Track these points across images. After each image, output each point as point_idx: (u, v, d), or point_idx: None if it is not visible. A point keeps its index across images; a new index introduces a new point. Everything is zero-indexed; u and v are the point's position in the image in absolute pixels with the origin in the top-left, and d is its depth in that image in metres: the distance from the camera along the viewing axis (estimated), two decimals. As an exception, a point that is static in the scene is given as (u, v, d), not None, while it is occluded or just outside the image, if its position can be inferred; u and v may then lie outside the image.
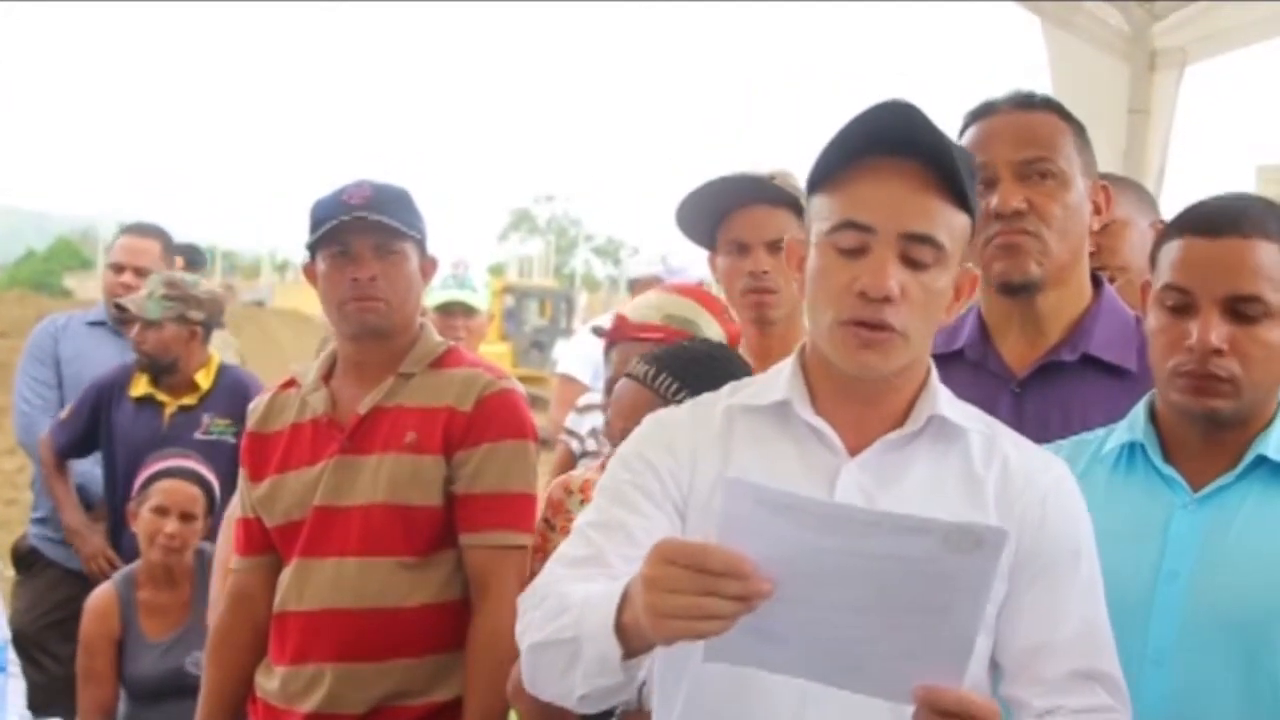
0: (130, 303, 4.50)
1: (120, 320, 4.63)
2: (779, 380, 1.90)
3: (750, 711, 1.78)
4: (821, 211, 1.81)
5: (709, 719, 1.82)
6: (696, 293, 2.82)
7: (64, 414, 4.62)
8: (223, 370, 4.59)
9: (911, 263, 1.77)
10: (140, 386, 4.52)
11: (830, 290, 1.78)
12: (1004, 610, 1.80)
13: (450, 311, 4.92)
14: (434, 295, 5.00)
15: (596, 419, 3.73)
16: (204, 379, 4.53)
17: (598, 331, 2.93)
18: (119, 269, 4.91)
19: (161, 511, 3.94)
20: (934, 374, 1.89)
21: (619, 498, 1.85)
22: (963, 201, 1.79)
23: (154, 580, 3.97)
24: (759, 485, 1.50)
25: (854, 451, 1.83)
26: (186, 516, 3.95)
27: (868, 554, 1.48)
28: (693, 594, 1.47)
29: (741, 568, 1.47)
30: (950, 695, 1.55)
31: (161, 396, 4.50)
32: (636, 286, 6.24)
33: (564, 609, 1.69)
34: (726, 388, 1.96)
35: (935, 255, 1.78)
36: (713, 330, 2.66)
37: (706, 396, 1.98)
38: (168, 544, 3.92)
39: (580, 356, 5.77)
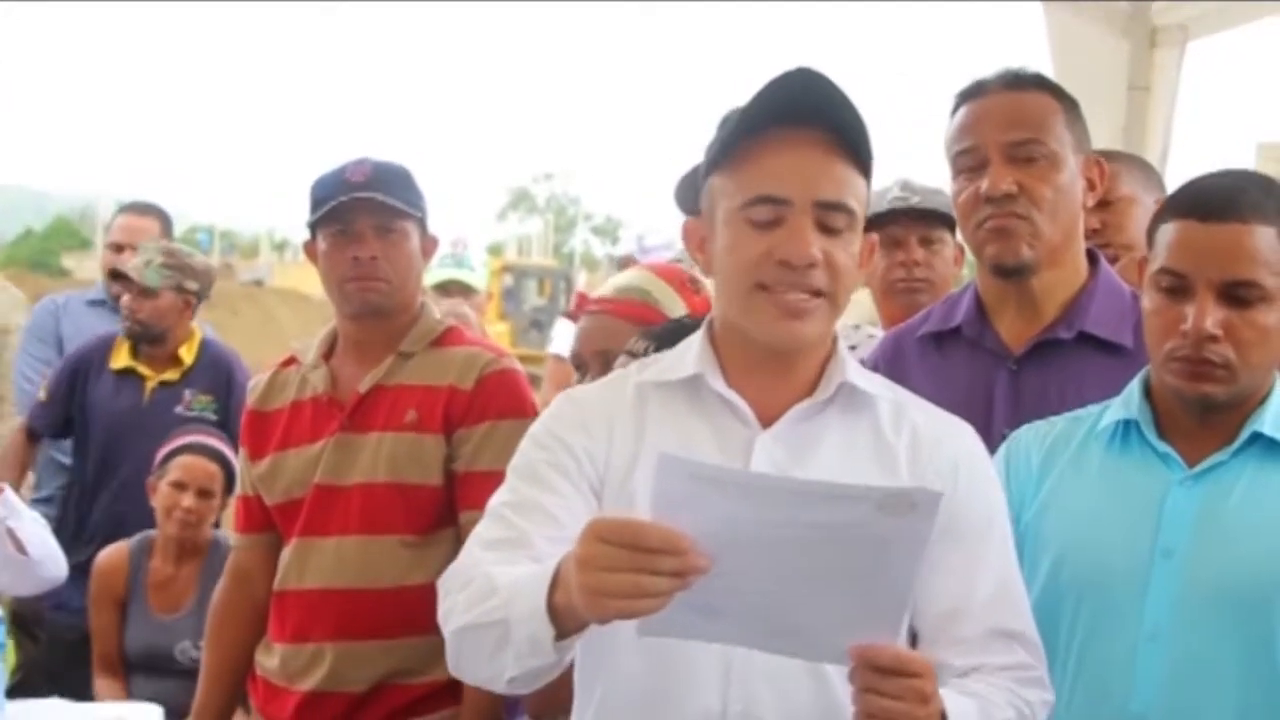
0: (131, 269, 4.46)
1: (120, 296, 4.60)
2: (689, 355, 1.90)
3: (674, 700, 1.78)
4: (727, 189, 1.82)
5: (630, 712, 1.81)
6: (658, 267, 2.84)
7: (42, 395, 4.57)
8: (205, 345, 4.57)
9: (827, 230, 1.78)
10: (122, 358, 4.49)
11: (746, 261, 1.78)
12: (920, 576, 1.79)
13: (448, 290, 4.92)
14: (432, 274, 5.00)
15: None
16: (187, 354, 4.51)
17: (568, 315, 2.95)
18: (118, 248, 4.90)
19: (179, 486, 3.99)
20: (841, 343, 1.91)
21: (534, 477, 1.84)
22: (863, 166, 1.81)
23: (166, 552, 4.03)
24: (692, 460, 1.50)
25: (766, 423, 1.84)
26: (204, 493, 3.99)
27: (803, 523, 1.49)
28: (629, 572, 1.46)
29: (678, 543, 1.46)
30: (886, 652, 1.58)
31: (143, 370, 4.48)
32: (622, 264, 6.31)
33: (491, 591, 1.67)
34: (635, 364, 1.97)
35: (848, 221, 1.80)
36: (671, 300, 2.68)
37: (617, 373, 1.99)
38: (184, 518, 3.97)
39: (570, 337, 5.79)
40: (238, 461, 3.01)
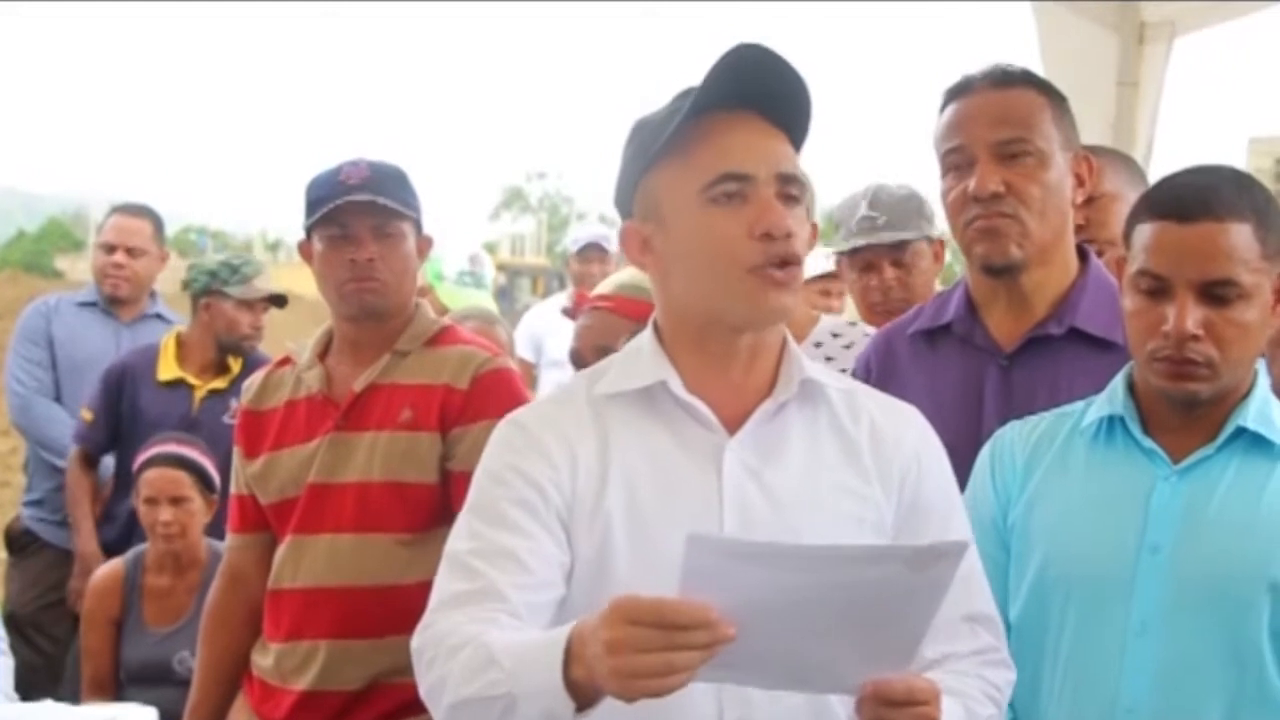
0: (271, 288, 4.56)
1: (208, 290, 4.55)
2: (640, 362, 1.85)
3: (670, 711, 1.69)
4: (678, 179, 1.79)
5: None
6: None
7: (88, 416, 4.55)
8: (249, 355, 4.61)
9: (789, 199, 1.78)
10: (171, 369, 4.51)
11: (727, 242, 1.76)
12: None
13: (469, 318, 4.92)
14: (451, 294, 5.01)
15: None
16: (235, 362, 4.55)
17: (566, 312, 2.97)
18: (110, 249, 4.89)
19: (152, 502, 3.98)
20: (789, 336, 1.89)
21: (497, 518, 1.77)
22: (798, 143, 1.83)
23: (161, 566, 4.02)
24: (722, 538, 1.51)
25: (730, 426, 1.81)
26: (177, 501, 3.97)
27: (832, 584, 1.49)
28: (661, 651, 1.45)
29: (707, 617, 1.45)
30: (898, 686, 1.57)
31: (192, 380, 4.50)
32: (568, 264, 6.43)
33: (489, 662, 1.62)
34: (581, 377, 1.92)
35: (802, 192, 1.81)
36: None
37: (561, 389, 1.94)
38: (166, 531, 3.96)
39: (525, 336, 5.90)
40: (233, 460, 3.01)
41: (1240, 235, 1.97)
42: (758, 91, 1.78)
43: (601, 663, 1.48)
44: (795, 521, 1.77)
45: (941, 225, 2.95)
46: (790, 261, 1.77)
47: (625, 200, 1.89)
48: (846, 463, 1.83)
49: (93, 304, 4.94)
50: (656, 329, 1.88)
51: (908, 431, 1.89)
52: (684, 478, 1.79)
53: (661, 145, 1.80)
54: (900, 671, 1.57)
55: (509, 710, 1.59)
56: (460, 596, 1.74)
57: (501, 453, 1.85)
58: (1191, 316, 1.97)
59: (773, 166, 1.78)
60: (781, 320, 1.82)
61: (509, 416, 1.91)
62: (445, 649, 1.69)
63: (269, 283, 4.62)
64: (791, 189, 1.79)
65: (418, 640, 1.76)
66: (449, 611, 1.74)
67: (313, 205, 2.83)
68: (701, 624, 1.45)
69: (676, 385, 1.82)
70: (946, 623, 1.78)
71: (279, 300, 4.63)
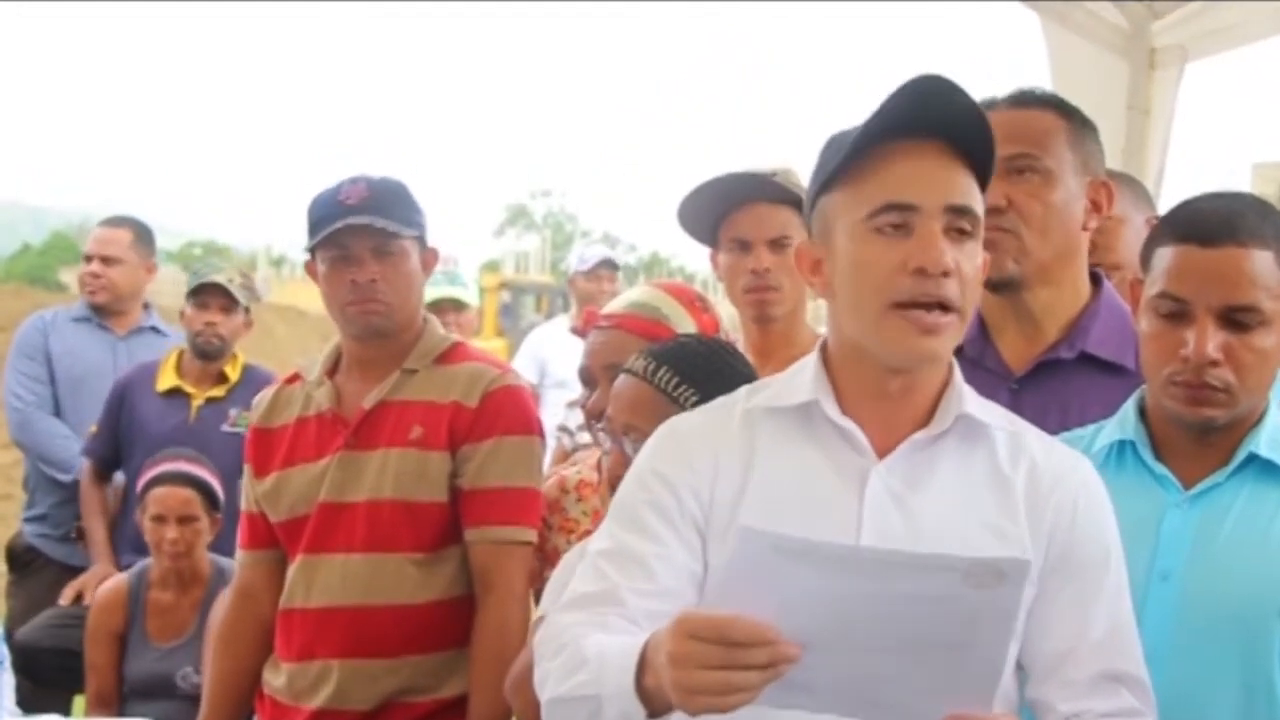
0: (225, 282, 4.53)
1: (204, 288, 4.54)
2: (802, 380, 1.85)
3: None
4: (847, 204, 1.77)
5: None
6: (667, 285, 2.86)
7: (93, 429, 4.59)
8: (246, 366, 4.63)
9: (956, 237, 1.75)
10: (169, 379, 4.53)
11: (879, 274, 1.73)
12: (1033, 613, 1.77)
13: (440, 308, 4.94)
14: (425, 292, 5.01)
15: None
16: (232, 371, 4.57)
17: (574, 330, 2.97)
18: (88, 259, 4.95)
19: (160, 520, 3.98)
20: (958, 370, 1.86)
21: (633, 522, 1.79)
22: (982, 178, 1.79)
23: (165, 582, 4.02)
24: (775, 533, 1.48)
25: (881, 452, 1.79)
26: (185, 520, 3.98)
27: (889, 595, 1.47)
28: (720, 669, 1.45)
29: (766, 635, 1.45)
30: None
31: (189, 389, 4.53)
32: (570, 282, 6.49)
33: (582, 663, 1.65)
34: (742, 390, 1.91)
35: (974, 226, 1.77)
36: (681, 318, 2.69)
37: (721, 400, 1.92)
38: (172, 550, 3.96)
39: (528, 357, 5.91)
40: (243, 477, 3.00)
41: (1263, 261, 1.97)
42: (937, 120, 1.75)
43: (666, 674, 1.50)
44: (933, 551, 1.72)
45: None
46: (945, 306, 1.73)
47: (809, 218, 1.87)
48: (997, 503, 1.79)
49: (87, 319, 4.96)
50: (824, 348, 1.87)
51: (1069, 476, 1.83)
52: (826, 497, 1.77)
53: (836, 168, 1.78)
54: (983, 707, 1.54)
55: (596, 712, 1.63)
56: (582, 598, 1.77)
57: (649, 456, 1.86)
58: (1212, 341, 1.96)
59: (942, 198, 1.74)
60: (924, 365, 1.78)
61: (666, 423, 1.91)
62: (553, 647, 1.73)
63: (220, 278, 4.58)
64: (962, 222, 1.75)
65: (536, 636, 1.80)
66: (567, 611, 1.77)
67: (313, 227, 2.83)
68: (761, 641, 1.45)
69: (830, 406, 1.80)
70: (1088, 678, 1.77)
71: (225, 291, 4.54)
